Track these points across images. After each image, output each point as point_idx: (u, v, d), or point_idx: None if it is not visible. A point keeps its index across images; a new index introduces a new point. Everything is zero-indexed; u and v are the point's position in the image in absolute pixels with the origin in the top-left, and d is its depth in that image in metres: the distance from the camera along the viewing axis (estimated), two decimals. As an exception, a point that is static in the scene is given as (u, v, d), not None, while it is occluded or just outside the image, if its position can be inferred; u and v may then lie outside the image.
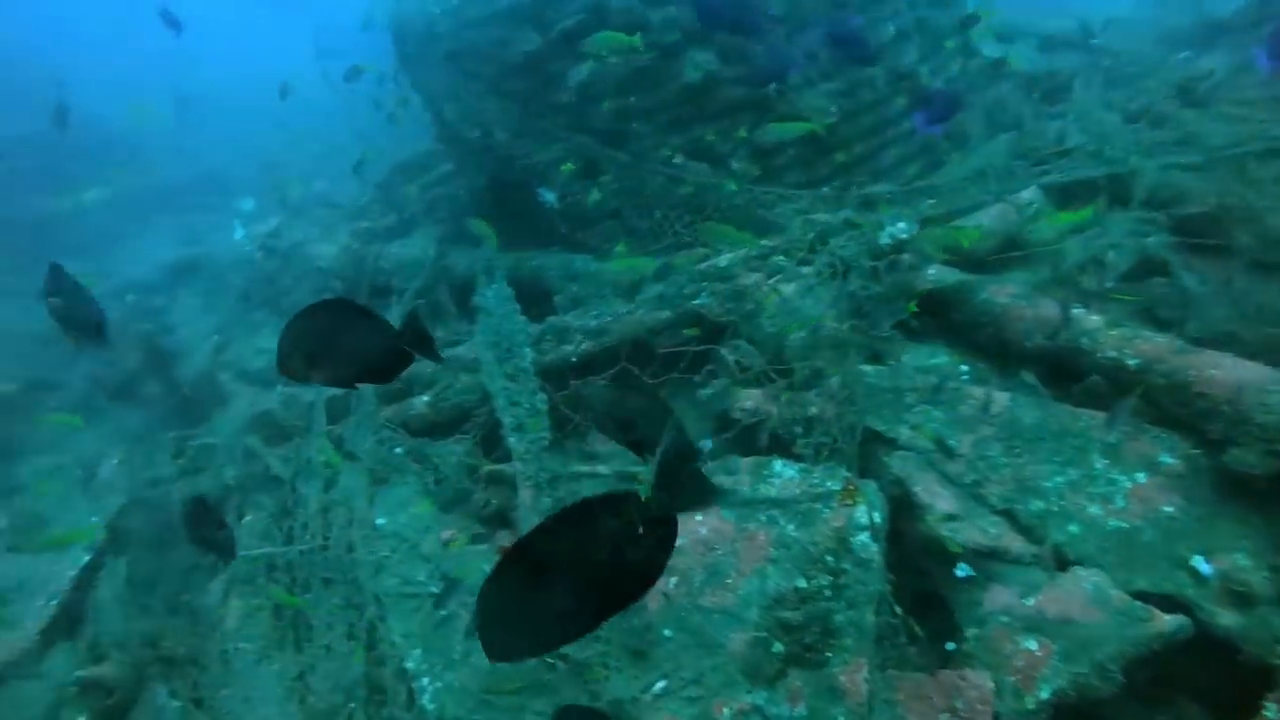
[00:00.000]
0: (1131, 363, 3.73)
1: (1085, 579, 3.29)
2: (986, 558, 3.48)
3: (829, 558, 3.43)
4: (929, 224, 4.24)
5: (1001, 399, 3.81)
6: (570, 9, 3.79)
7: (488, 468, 4.81)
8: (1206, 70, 6.02)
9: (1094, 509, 3.50)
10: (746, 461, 3.88)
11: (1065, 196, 4.89)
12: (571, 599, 1.71)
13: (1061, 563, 3.38)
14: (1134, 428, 3.58)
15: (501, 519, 4.81)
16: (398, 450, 5.37)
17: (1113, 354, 3.72)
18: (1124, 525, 3.42)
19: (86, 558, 5.89)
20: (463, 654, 4.09)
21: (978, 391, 3.77)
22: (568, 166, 3.81)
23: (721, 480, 3.70)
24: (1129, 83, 6.52)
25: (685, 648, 3.58)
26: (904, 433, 3.67)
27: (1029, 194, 4.94)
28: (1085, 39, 8.24)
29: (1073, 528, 3.47)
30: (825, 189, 4.17)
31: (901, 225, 4.12)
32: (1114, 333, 3.68)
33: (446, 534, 4.75)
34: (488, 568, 4.71)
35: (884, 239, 3.95)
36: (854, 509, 3.56)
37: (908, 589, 3.47)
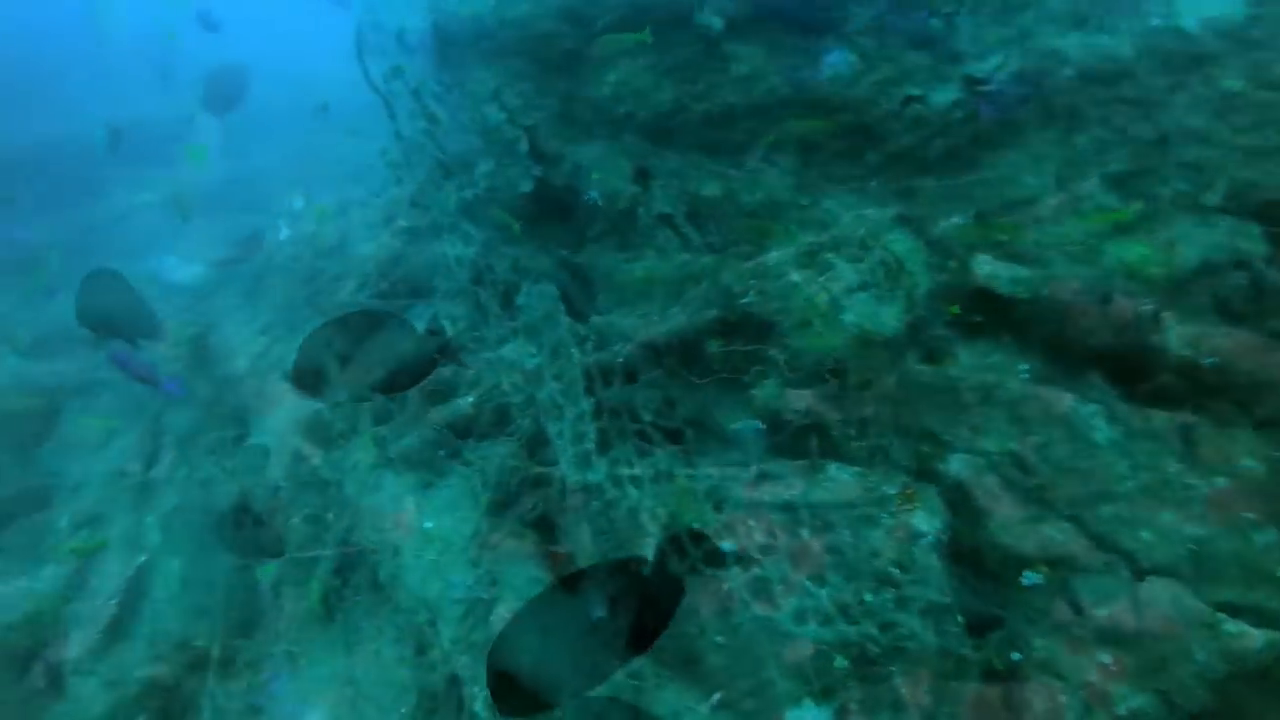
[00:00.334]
0: (1207, 361, 3.53)
1: (1162, 589, 3.12)
2: (1054, 565, 3.33)
3: (887, 566, 3.32)
4: (983, 217, 4.06)
5: (1065, 399, 3.64)
6: (611, 4, 3.69)
7: (534, 470, 4.77)
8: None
9: (1168, 515, 3.32)
10: (799, 464, 3.77)
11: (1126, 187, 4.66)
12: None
13: (1136, 571, 3.22)
14: (1212, 429, 3.39)
15: (546, 523, 4.76)
16: (442, 453, 5.36)
17: (1187, 352, 3.52)
18: (1202, 532, 3.24)
19: (143, 557, 6.01)
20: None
21: (1041, 391, 3.60)
22: (596, 175, 3.74)
23: (775, 483, 3.60)
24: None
25: (739, 659, 3.50)
26: (963, 435, 3.53)
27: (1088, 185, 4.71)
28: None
29: (1145, 534, 3.30)
30: (873, 182, 4.02)
31: (955, 219, 3.95)
32: (1186, 328, 3.47)
33: (493, 538, 4.73)
34: (534, 573, 4.68)
35: (937, 233, 3.79)
36: (913, 514, 3.43)
37: (971, 597, 3.34)
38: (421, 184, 7.28)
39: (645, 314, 3.64)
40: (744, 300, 3.36)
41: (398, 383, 6.70)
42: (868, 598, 3.29)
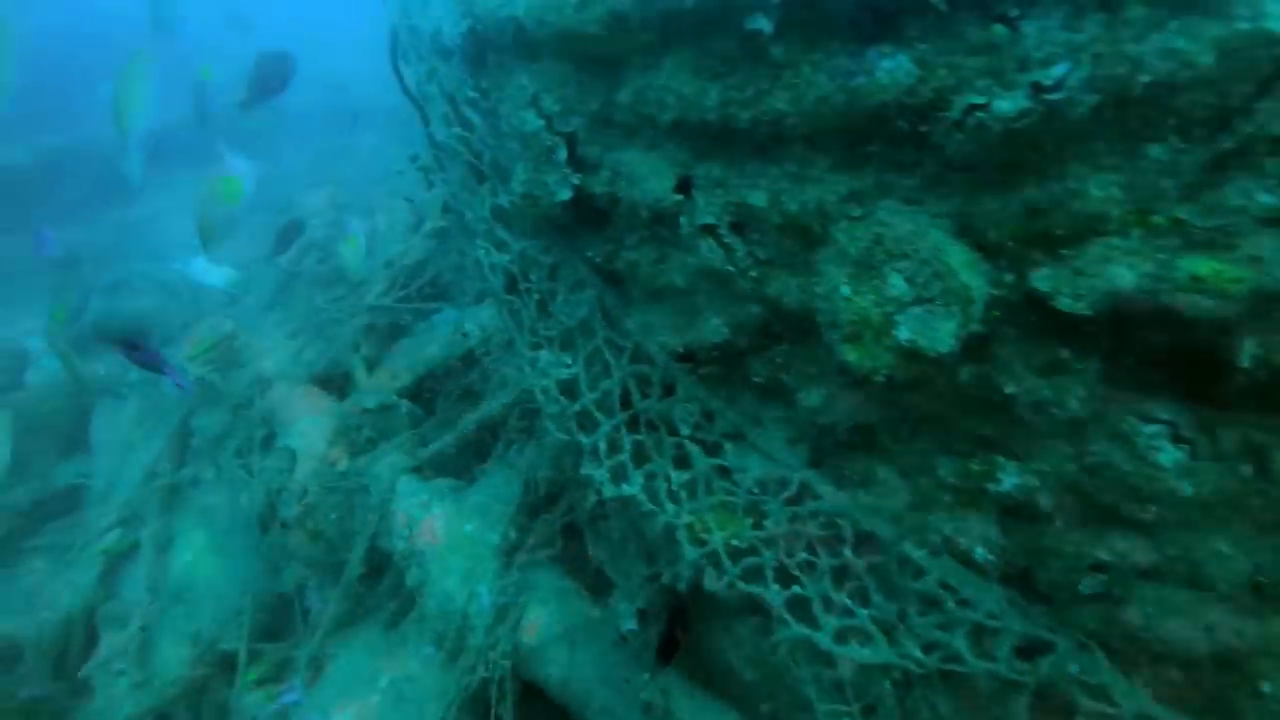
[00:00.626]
0: None
1: (1224, 613, 2.99)
2: (1110, 586, 3.21)
3: (939, 578, 3.22)
4: (1046, 230, 3.93)
5: (1127, 417, 3.50)
6: (659, 7, 3.61)
7: (566, 475, 4.72)
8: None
9: (1233, 535, 3.18)
10: (843, 478, 3.67)
11: (1201, 200, 4.49)
12: None
13: (1198, 594, 3.09)
14: None
15: (576, 532, 4.71)
16: (472, 459, 5.33)
17: (1261, 371, 3.36)
18: (1270, 556, 3.10)
19: (172, 559, 6.04)
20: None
21: (1100, 408, 3.47)
22: (634, 184, 3.65)
23: (817, 498, 3.51)
24: None
25: (775, 679, 3.41)
26: (1017, 451, 3.41)
27: (1160, 198, 4.55)
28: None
29: (1209, 557, 3.16)
30: (930, 193, 3.91)
31: (1016, 232, 3.82)
32: (1262, 345, 3.31)
33: (523, 546, 4.69)
34: (563, 583, 4.60)
35: (996, 245, 3.67)
36: (966, 520, 3.33)
37: (1031, 607, 3.24)
38: (454, 189, 7.24)
39: (685, 324, 3.56)
40: (790, 312, 3.27)
41: (426, 387, 6.70)
42: (913, 618, 3.19)
